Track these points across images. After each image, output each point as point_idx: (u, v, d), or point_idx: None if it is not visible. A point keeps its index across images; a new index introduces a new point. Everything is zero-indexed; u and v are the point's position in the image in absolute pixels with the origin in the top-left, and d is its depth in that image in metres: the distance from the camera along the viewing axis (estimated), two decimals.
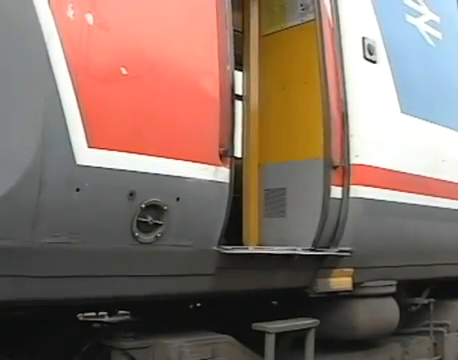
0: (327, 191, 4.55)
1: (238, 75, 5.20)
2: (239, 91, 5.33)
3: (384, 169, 4.99)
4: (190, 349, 4.13)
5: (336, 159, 4.58)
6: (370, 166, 4.74)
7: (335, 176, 4.57)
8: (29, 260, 3.27)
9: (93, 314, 5.24)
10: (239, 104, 5.29)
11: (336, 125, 4.66)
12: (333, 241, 4.55)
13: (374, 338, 5.34)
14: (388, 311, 5.36)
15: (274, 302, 5.59)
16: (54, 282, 3.41)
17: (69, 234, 3.34)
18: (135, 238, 3.56)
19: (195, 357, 4.13)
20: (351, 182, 4.65)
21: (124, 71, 3.49)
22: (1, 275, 3.21)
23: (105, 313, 5.28)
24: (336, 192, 4.58)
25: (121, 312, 5.36)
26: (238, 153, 5.08)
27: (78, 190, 3.31)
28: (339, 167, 4.56)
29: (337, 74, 4.72)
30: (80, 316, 4.99)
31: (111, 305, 4.76)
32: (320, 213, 4.50)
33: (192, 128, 3.77)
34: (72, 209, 3.32)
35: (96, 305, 4.75)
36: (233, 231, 4.47)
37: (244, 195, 5.03)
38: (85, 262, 3.48)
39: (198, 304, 5.43)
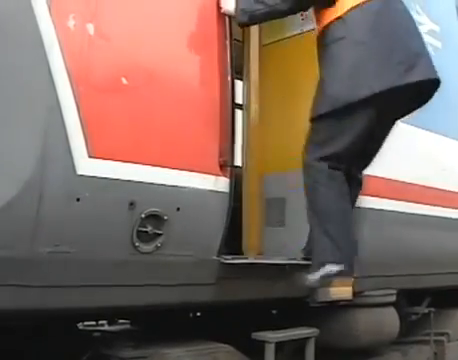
0: None
1: (238, 84, 5.20)
2: (239, 100, 5.33)
3: (384, 178, 5.00)
4: (189, 359, 4.13)
5: None
6: (370, 176, 4.73)
7: None
8: (29, 270, 3.27)
9: (93, 323, 5.25)
10: (239, 113, 5.29)
11: None
12: None
13: (374, 347, 5.34)
14: (388, 320, 5.36)
15: (274, 311, 5.59)
16: (54, 292, 3.40)
17: (69, 244, 3.34)
18: (135, 248, 3.56)
19: None
20: None
21: (125, 81, 3.49)
22: (0, 285, 3.21)
23: (105, 322, 5.29)
24: None
25: (121, 321, 5.36)
26: (238, 162, 5.08)
27: (78, 200, 3.31)
28: None
29: None
30: (80, 325, 4.99)
31: (111, 314, 4.76)
32: None
33: (192, 138, 3.77)
34: (72, 219, 3.32)
35: (96, 314, 4.75)
36: (233, 240, 4.46)
37: (244, 205, 5.02)
38: (85, 272, 3.47)
39: (198, 313, 5.43)
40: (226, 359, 4.31)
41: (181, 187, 3.69)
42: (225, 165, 3.89)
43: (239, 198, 4.93)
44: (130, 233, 3.53)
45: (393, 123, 4.33)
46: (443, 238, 5.71)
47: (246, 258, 4.32)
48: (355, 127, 4.03)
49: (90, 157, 3.33)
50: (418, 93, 4.13)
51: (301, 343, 4.55)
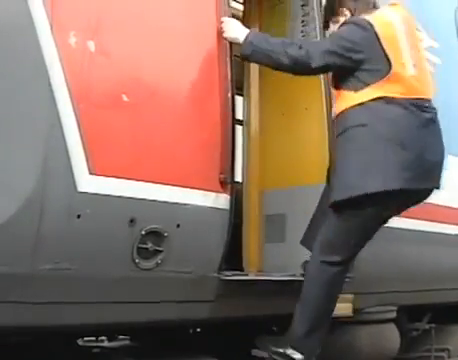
0: None
1: (239, 100, 5.22)
2: (240, 116, 5.35)
3: None
4: None
5: None
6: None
7: None
8: (29, 286, 3.27)
9: (93, 339, 5.23)
10: (240, 129, 5.31)
11: None
12: None
13: None
14: (389, 336, 5.35)
15: (274, 328, 5.58)
16: (54, 309, 3.40)
17: (69, 260, 3.34)
18: (135, 264, 3.57)
19: None
20: None
21: (125, 98, 3.50)
22: (2, 301, 3.20)
23: (105, 338, 5.27)
24: None
25: (121, 337, 5.34)
26: (238, 177, 5.08)
27: (79, 217, 3.31)
28: None
29: None
30: (80, 341, 4.98)
31: (111, 331, 4.75)
32: None
33: (193, 155, 3.78)
34: (73, 236, 3.32)
35: (96, 330, 4.74)
36: (233, 256, 4.46)
37: (244, 221, 5.04)
38: (85, 288, 3.47)
39: (198, 329, 5.42)
40: None
41: (181, 204, 3.69)
42: (225, 182, 3.89)
43: (239, 214, 4.94)
44: (130, 250, 3.53)
45: (385, 222, 4.28)
46: (443, 254, 5.70)
47: (246, 275, 4.33)
48: (365, 226, 4.03)
49: (91, 174, 3.34)
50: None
51: None
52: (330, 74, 4.30)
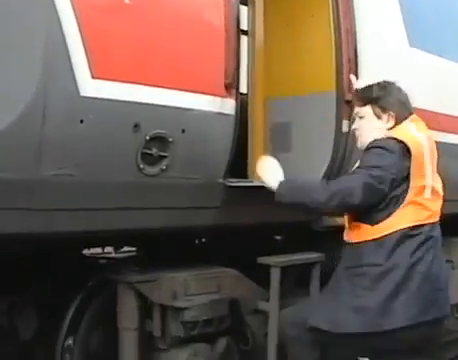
0: (339, 125, 4.52)
1: (243, 9, 5.11)
2: (244, 26, 5.25)
3: None
4: (195, 282, 4.15)
5: (347, 93, 4.52)
6: None
7: (346, 110, 4.53)
8: (34, 193, 3.25)
9: (99, 250, 5.26)
10: (244, 39, 5.21)
11: (347, 58, 4.59)
12: (340, 174, 4.51)
13: None
14: None
15: (278, 237, 5.60)
16: (59, 215, 3.39)
17: (73, 166, 3.31)
18: (140, 170, 3.54)
19: (201, 291, 4.16)
20: None
21: (127, 0, 3.41)
22: (6, 208, 3.19)
23: (111, 250, 5.30)
24: (346, 126, 4.53)
25: (126, 248, 5.37)
26: (243, 89, 5.02)
27: (82, 122, 3.27)
28: (350, 102, 4.49)
29: (347, 5, 4.63)
30: (86, 252, 5.01)
31: (116, 240, 4.76)
32: (332, 147, 4.48)
33: (197, 59, 3.71)
34: (76, 141, 3.28)
35: (102, 240, 4.76)
36: (238, 166, 4.43)
37: (249, 130, 4.99)
38: (89, 195, 3.45)
39: (203, 239, 5.43)
40: (232, 283, 4.34)
41: (186, 109, 3.64)
42: (231, 87, 3.84)
43: (245, 125, 4.89)
44: (135, 155, 3.50)
45: None
46: (454, 164, 5.65)
47: (251, 181, 4.29)
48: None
49: (93, 78, 3.28)
50: None
51: (306, 268, 4.56)
52: None
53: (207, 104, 3.74)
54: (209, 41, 3.79)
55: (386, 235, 3.62)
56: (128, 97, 3.40)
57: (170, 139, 3.58)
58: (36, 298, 4.57)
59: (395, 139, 3.66)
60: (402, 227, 3.62)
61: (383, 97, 3.79)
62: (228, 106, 3.86)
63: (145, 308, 4.16)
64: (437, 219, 3.83)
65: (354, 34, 4.70)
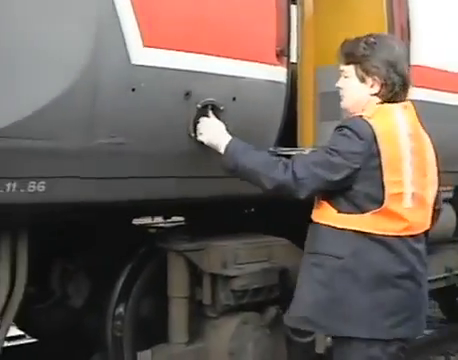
0: None
1: None
2: None
3: (440, 70, 4.85)
4: (246, 251, 4.16)
5: None
6: (427, 67, 4.60)
7: None
8: (85, 161, 3.27)
9: (148, 220, 5.29)
10: (294, 8, 5.15)
11: (400, 26, 4.52)
12: None
13: (430, 244, 5.29)
14: (445, 217, 5.27)
15: None
16: (109, 184, 3.42)
17: (125, 135, 3.32)
18: (191, 139, 3.53)
19: (251, 259, 4.16)
20: None
21: None
22: (59, 176, 3.21)
23: (159, 219, 5.32)
24: None
25: (175, 218, 5.38)
26: (293, 58, 4.97)
27: (133, 90, 3.27)
28: None
29: None
30: (135, 221, 5.03)
31: (166, 209, 4.77)
32: None
33: (248, 27, 3.68)
34: (128, 110, 3.29)
35: (151, 210, 4.78)
36: (288, 135, 4.39)
37: (299, 98, 4.94)
38: (140, 163, 3.47)
39: (252, 209, 5.42)
40: (282, 252, 4.33)
41: (237, 77, 3.62)
42: (282, 54, 3.81)
43: (294, 95, 4.85)
44: (186, 124, 3.49)
45: None
46: None
47: (303, 150, 4.26)
48: None
49: (145, 46, 3.27)
50: None
51: None
52: None
53: (258, 72, 3.72)
54: (260, 9, 3.77)
55: (353, 230, 3.21)
56: (179, 65, 3.39)
57: (221, 107, 3.57)
58: (87, 266, 4.64)
59: (367, 123, 3.21)
60: (372, 232, 3.19)
61: (368, 58, 3.29)
62: (279, 74, 3.84)
63: (195, 276, 4.18)
64: (420, 231, 3.33)
65: (406, 2, 4.63)
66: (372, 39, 3.34)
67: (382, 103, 3.31)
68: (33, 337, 5.76)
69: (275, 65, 3.80)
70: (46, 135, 3.07)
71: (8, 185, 3.08)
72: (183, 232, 4.26)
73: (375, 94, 3.31)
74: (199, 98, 3.48)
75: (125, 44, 3.21)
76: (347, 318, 3.20)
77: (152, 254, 4.36)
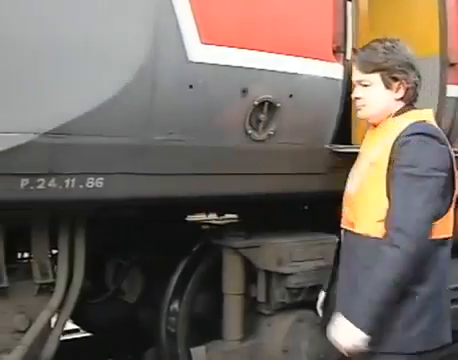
0: (443, 89, 4.39)
1: None
2: None
3: None
4: (301, 249, 4.14)
5: (453, 56, 4.39)
6: None
7: (452, 74, 4.40)
8: (143, 158, 3.30)
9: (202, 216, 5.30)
10: (349, 5, 5.12)
11: (452, 21, 4.45)
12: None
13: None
14: None
15: None
16: (166, 180, 3.44)
17: (182, 132, 3.35)
18: (248, 136, 3.53)
19: (306, 257, 4.15)
20: None
21: None
22: (116, 173, 3.25)
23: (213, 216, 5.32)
24: (452, 91, 4.41)
25: (229, 215, 5.38)
26: (348, 55, 4.94)
27: (191, 87, 3.28)
28: (456, 65, 4.37)
29: None
30: (190, 218, 5.05)
31: (220, 206, 4.78)
32: (436, 112, 4.35)
33: (305, 24, 3.66)
34: (185, 106, 3.31)
35: (206, 206, 4.79)
36: (343, 132, 4.36)
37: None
38: (197, 160, 3.49)
39: (305, 207, 5.40)
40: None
41: (294, 74, 3.61)
42: (338, 51, 3.79)
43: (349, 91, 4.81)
44: (243, 120, 3.50)
45: None
46: None
47: (358, 147, 4.22)
48: None
49: (202, 43, 3.28)
50: None
51: None
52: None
53: (315, 69, 3.70)
54: (317, 5, 3.75)
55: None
56: (236, 62, 3.40)
57: (278, 104, 3.56)
58: (142, 262, 4.68)
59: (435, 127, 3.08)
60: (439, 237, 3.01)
61: (392, 63, 3.12)
62: (336, 70, 3.82)
63: (250, 273, 4.19)
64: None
65: None
66: (388, 43, 3.18)
67: (407, 106, 3.19)
68: (87, 331, 5.82)
69: (331, 62, 3.78)
70: (106, 132, 3.11)
71: (67, 181, 3.13)
72: (238, 229, 4.26)
73: (400, 98, 3.16)
74: (256, 95, 3.48)
75: (182, 41, 3.23)
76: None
77: (207, 251, 4.38)
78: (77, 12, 2.94)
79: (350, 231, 3.17)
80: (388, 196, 2.97)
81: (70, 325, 5.62)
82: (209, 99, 3.36)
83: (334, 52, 3.79)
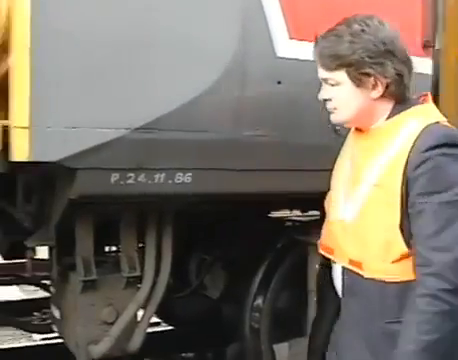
0: None
1: None
2: None
3: None
4: None
5: None
6: None
7: None
8: (231, 153, 3.31)
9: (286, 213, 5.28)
10: None
11: None
12: None
13: None
14: None
15: None
16: (252, 176, 3.44)
17: (270, 127, 3.34)
18: (336, 132, 3.49)
19: None
20: None
21: None
22: (205, 168, 3.27)
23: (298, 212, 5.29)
24: None
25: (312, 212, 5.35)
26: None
27: (279, 83, 3.28)
28: None
29: None
30: (273, 214, 5.04)
31: (305, 203, 4.75)
32: None
33: (394, 18, 3.57)
34: (274, 102, 3.31)
35: (289, 203, 4.77)
36: None
37: (441, 88, 4.81)
38: (282, 156, 3.47)
39: None
40: None
41: None
42: (428, 46, 3.71)
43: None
44: (327, 117, 3.45)
45: None
46: None
47: None
48: None
49: (291, 39, 3.27)
50: None
51: None
52: None
53: None
54: None
55: None
56: None
57: None
58: (225, 258, 4.69)
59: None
60: None
61: (360, 55, 2.44)
62: (425, 65, 3.76)
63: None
64: None
65: None
66: (356, 26, 2.47)
67: (396, 102, 2.57)
68: (169, 325, 5.87)
69: (421, 56, 3.71)
70: (195, 127, 3.14)
71: (157, 176, 3.16)
72: (322, 226, 4.23)
73: (380, 97, 2.51)
74: None
75: (271, 37, 3.23)
76: None
77: (292, 247, 4.36)
78: (169, 11, 2.99)
79: (356, 273, 2.50)
80: (401, 228, 2.35)
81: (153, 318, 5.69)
82: (297, 95, 3.35)
83: (424, 46, 3.72)
